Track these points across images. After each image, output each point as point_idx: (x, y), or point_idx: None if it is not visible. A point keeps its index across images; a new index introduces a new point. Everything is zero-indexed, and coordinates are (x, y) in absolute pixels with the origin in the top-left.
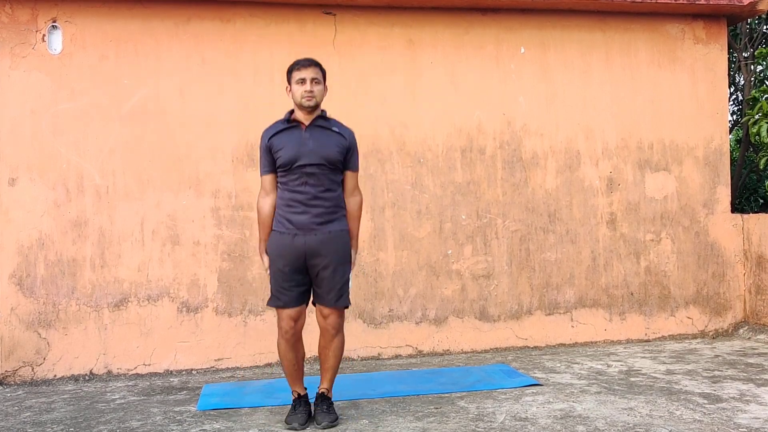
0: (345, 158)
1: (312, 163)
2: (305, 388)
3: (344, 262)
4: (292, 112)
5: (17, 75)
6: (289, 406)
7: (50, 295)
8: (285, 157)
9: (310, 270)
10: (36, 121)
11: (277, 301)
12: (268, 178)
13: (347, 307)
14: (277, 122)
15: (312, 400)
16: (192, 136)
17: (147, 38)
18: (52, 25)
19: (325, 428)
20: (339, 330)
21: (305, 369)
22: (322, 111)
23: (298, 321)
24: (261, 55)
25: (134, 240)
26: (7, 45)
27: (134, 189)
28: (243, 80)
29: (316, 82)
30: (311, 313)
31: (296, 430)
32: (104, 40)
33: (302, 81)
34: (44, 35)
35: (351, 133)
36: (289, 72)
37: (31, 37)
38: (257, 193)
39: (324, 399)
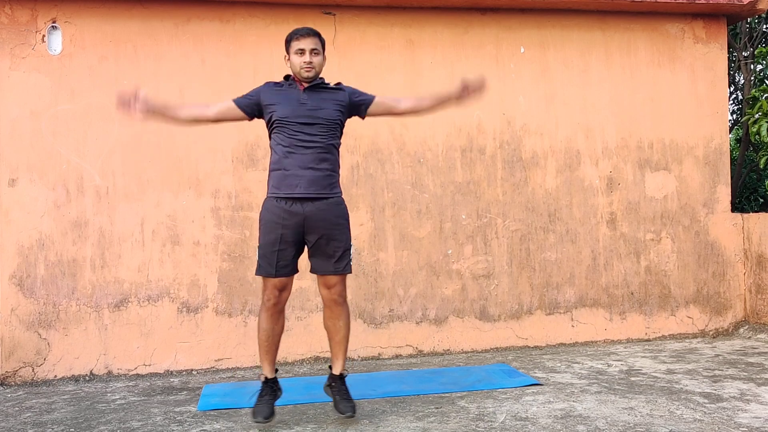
0: (353, 104)
1: (309, 123)
2: (276, 371)
3: (346, 228)
4: (290, 76)
5: (17, 76)
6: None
7: (50, 296)
8: (279, 112)
9: (309, 239)
10: (36, 122)
11: (267, 269)
12: (228, 103)
13: (350, 272)
14: (278, 81)
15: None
16: (192, 136)
17: (147, 39)
18: (52, 26)
19: (350, 417)
20: (345, 298)
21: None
22: (320, 79)
23: (284, 291)
24: (261, 55)
25: (134, 240)
26: (6, 45)
27: (134, 189)
28: (243, 80)
29: (315, 53)
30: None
31: (261, 423)
32: (104, 41)
33: (301, 51)
34: (44, 36)
35: (347, 87)
36: (288, 41)
37: (31, 37)
38: (257, 193)
39: (342, 383)
